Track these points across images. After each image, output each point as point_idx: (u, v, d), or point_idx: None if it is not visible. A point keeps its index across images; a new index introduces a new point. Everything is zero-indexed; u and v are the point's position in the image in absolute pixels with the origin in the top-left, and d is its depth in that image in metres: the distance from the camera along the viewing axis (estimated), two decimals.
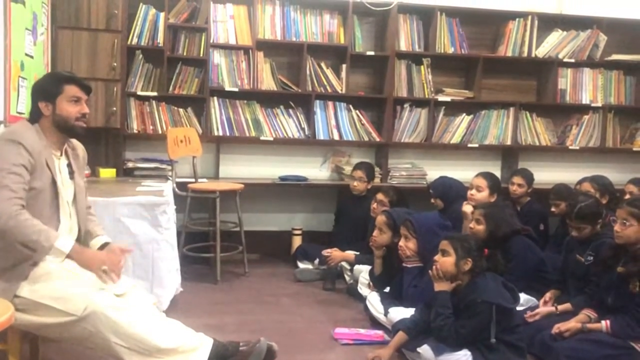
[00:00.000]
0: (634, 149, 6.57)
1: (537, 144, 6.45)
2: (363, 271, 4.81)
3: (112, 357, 2.74)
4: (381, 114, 6.23)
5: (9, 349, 2.69)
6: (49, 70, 4.91)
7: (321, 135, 6.03)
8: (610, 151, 6.63)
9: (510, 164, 6.49)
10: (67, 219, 2.98)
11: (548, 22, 6.38)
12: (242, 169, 6.11)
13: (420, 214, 4.38)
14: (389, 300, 4.15)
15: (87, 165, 5.06)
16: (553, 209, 5.18)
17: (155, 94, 5.70)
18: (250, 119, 5.93)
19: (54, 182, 2.88)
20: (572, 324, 3.54)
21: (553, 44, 6.34)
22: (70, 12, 5.21)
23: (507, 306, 3.33)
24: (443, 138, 6.26)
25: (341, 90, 6.00)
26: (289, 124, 6.00)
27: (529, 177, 5.55)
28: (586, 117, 6.47)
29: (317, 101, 6.01)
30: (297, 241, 6.00)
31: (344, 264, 5.14)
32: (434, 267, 3.52)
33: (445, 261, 3.47)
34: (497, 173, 6.35)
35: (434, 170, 6.06)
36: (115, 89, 5.35)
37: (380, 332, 3.95)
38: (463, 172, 5.87)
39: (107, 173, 5.43)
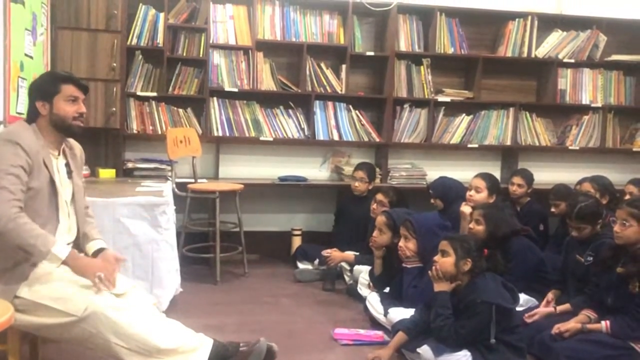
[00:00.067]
0: (634, 149, 6.56)
1: (537, 144, 6.45)
2: (363, 272, 4.81)
3: (112, 358, 2.74)
4: (381, 114, 6.22)
5: (9, 349, 2.69)
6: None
7: (321, 135, 6.03)
8: (610, 151, 6.63)
9: (510, 164, 6.49)
10: (66, 219, 2.98)
11: (548, 23, 6.38)
12: (241, 169, 6.11)
13: (420, 214, 4.38)
14: (388, 301, 4.15)
15: (87, 166, 5.12)
16: (553, 209, 5.18)
17: (154, 94, 5.70)
18: (250, 119, 5.92)
19: (52, 182, 2.88)
20: (572, 324, 3.54)
21: (553, 44, 6.34)
22: (69, 12, 5.21)
23: (507, 306, 3.33)
24: (443, 138, 6.26)
25: (341, 90, 6.00)
26: (289, 124, 6.00)
27: (528, 178, 5.55)
28: (586, 117, 6.47)
29: (317, 101, 6.01)
30: (296, 241, 6.00)
31: (343, 264, 5.14)
32: (433, 267, 3.51)
33: (445, 261, 3.47)
34: (497, 173, 6.40)
35: (433, 171, 6.06)
36: (114, 90, 5.34)
37: (380, 333, 3.95)
38: (463, 172, 5.87)
39: (106, 173, 5.42)
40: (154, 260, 4.18)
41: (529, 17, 6.25)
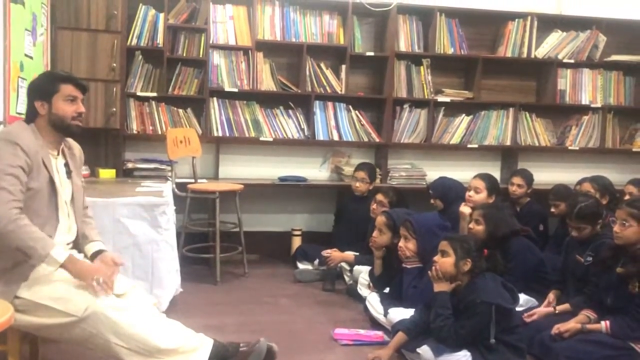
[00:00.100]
0: (634, 149, 6.56)
1: (537, 144, 6.45)
2: (363, 272, 4.80)
3: (112, 358, 2.74)
4: (381, 114, 6.22)
5: (9, 349, 2.69)
6: None
7: (321, 135, 6.02)
8: (609, 152, 6.63)
9: (509, 164, 6.49)
10: (65, 219, 2.98)
11: (547, 23, 6.38)
12: (241, 169, 6.11)
13: (420, 214, 4.38)
14: (388, 301, 4.14)
15: (87, 166, 5.13)
16: (552, 210, 5.18)
17: (154, 94, 5.69)
18: (249, 120, 5.92)
19: (51, 182, 2.88)
20: (572, 324, 3.54)
21: (553, 45, 6.34)
22: (69, 12, 5.20)
23: (507, 307, 3.32)
24: (443, 138, 6.26)
25: (341, 90, 6.00)
26: (289, 125, 6.00)
27: (528, 178, 5.55)
28: (586, 117, 6.47)
29: (317, 102, 6.01)
30: (296, 242, 5.99)
31: (343, 264, 5.14)
32: (433, 267, 3.51)
33: (445, 262, 3.47)
34: (497, 173, 6.41)
35: (433, 171, 6.05)
36: (114, 90, 5.34)
37: (379, 333, 3.95)
38: (463, 172, 5.86)
39: (106, 174, 5.42)
40: (153, 260, 4.17)
41: (529, 18, 6.25)
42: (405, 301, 4.00)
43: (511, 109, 6.33)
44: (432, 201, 5.18)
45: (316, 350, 3.77)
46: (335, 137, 6.06)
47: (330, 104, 6.08)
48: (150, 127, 5.70)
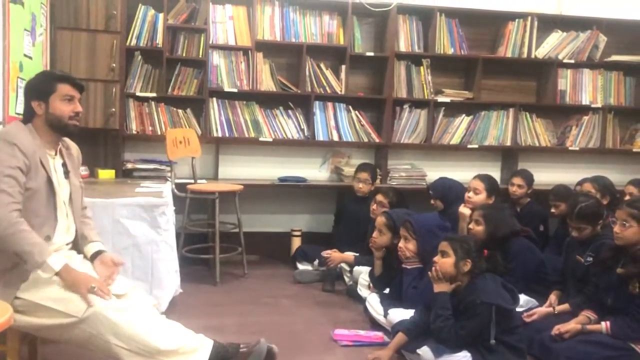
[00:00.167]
0: (634, 149, 6.55)
1: (537, 144, 6.45)
2: (363, 272, 4.80)
3: (112, 359, 2.74)
4: (381, 114, 6.22)
5: (8, 350, 2.69)
6: None
7: (320, 136, 6.02)
8: (610, 152, 6.62)
9: (510, 164, 6.49)
10: (64, 219, 2.98)
11: (548, 23, 6.37)
12: (241, 170, 6.10)
13: (420, 215, 4.37)
14: (388, 302, 4.14)
15: (86, 166, 5.14)
16: (553, 210, 5.17)
17: (154, 94, 5.68)
18: (249, 120, 5.92)
19: (49, 182, 2.87)
20: (572, 325, 3.54)
21: (553, 45, 6.33)
22: (69, 12, 5.19)
23: (507, 307, 3.32)
24: (443, 139, 6.25)
25: (340, 91, 5.99)
26: (289, 125, 5.99)
27: (528, 178, 5.55)
28: (586, 118, 6.46)
29: (317, 102, 6.00)
30: (296, 242, 5.99)
31: (343, 265, 5.14)
32: (433, 268, 3.51)
33: (445, 262, 3.47)
34: (497, 174, 6.41)
35: (433, 171, 6.04)
36: (114, 90, 5.33)
37: (379, 334, 3.95)
38: (463, 173, 5.85)
39: (106, 174, 5.42)
40: (153, 261, 4.17)
41: (529, 18, 6.24)
42: (405, 302, 4.00)
43: (511, 109, 6.32)
44: (432, 202, 5.17)
45: (316, 351, 3.77)
46: (335, 138, 6.06)
47: (330, 104, 6.07)
48: (150, 128, 5.69)
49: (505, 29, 6.31)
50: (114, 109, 5.34)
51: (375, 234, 4.49)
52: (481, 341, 3.30)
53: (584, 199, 4.07)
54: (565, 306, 3.86)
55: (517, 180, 5.54)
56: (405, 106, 6.16)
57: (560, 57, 6.34)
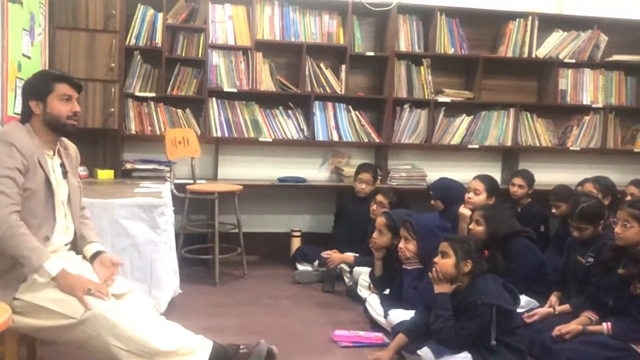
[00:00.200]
0: (635, 150, 6.53)
1: (538, 144, 6.43)
2: (363, 273, 4.78)
3: None
4: (381, 114, 6.20)
5: (7, 351, 2.68)
6: None
7: (320, 136, 6.00)
8: (611, 152, 6.61)
9: (510, 165, 6.47)
10: (62, 219, 2.97)
11: (548, 23, 6.35)
12: (240, 170, 6.09)
13: (420, 215, 4.36)
14: (388, 302, 4.12)
15: (85, 167, 5.13)
16: (553, 211, 5.16)
17: (153, 94, 5.67)
18: (249, 120, 5.91)
19: (48, 182, 2.87)
20: (573, 326, 3.53)
21: (554, 45, 6.32)
22: (67, 12, 5.18)
23: (508, 308, 3.31)
24: (443, 139, 6.24)
25: (340, 91, 5.98)
26: (288, 125, 5.98)
27: (529, 178, 5.54)
28: (587, 118, 6.45)
29: (317, 102, 5.99)
30: (296, 243, 5.97)
31: (343, 265, 5.12)
32: (433, 269, 3.50)
33: (445, 263, 3.46)
34: (498, 174, 6.41)
35: (434, 172, 6.02)
36: (113, 90, 5.32)
37: (380, 335, 3.94)
38: (463, 173, 5.83)
39: (105, 174, 5.41)
40: (152, 261, 4.15)
41: (530, 17, 6.22)
42: (405, 302, 3.98)
43: (512, 109, 6.31)
44: (432, 202, 5.16)
45: (316, 352, 3.76)
46: (335, 138, 6.05)
47: (330, 104, 6.06)
48: (149, 128, 5.68)
49: (505, 28, 6.29)
50: (113, 109, 5.33)
51: (375, 235, 4.47)
52: (482, 342, 3.29)
53: (586, 199, 4.06)
54: (565, 307, 3.86)
55: (517, 181, 5.54)
56: (406, 106, 6.14)
57: (561, 56, 6.32)
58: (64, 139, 3.10)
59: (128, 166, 5.58)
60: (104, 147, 5.57)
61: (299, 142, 6.06)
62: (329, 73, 5.99)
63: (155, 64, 5.69)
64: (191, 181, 5.44)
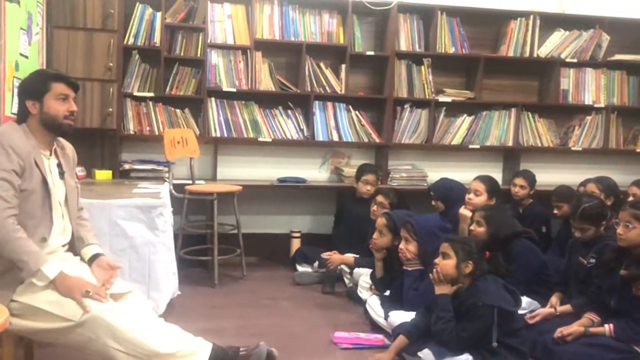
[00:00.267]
0: (637, 150, 6.51)
1: (539, 145, 6.41)
2: (363, 274, 4.77)
3: None
4: (381, 114, 6.18)
5: (4, 353, 2.67)
6: None
7: (320, 136, 5.98)
8: (613, 152, 6.59)
9: (512, 165, 6.45)
10: (60, 220, 2.95)
11: (550, 22, 6.33)
12: (240, 170, 6.07)
13: (421, 216, 4.35)
14: (389, 304, 4.11)
15: (83, 167, 5.12)
16: (555, 211, 5.14)
17: (152, 94, 5.66)
18: (248, 120, 5.89)
19: (44, 182, 2.85)
20: (575, 327, 3.52)
21: (555, 44, 6.30)
22: (65, 11, 5.16)
23: (509, 309, 3.30)
24: (444, 139, 6.22)
25: (340, 90, 5.96)
26: (288, 125, 5.96)
27: (531, 179, 5.53)
28: (589, 117, 6.43)
29: (316, 102, 5.97)
30: (296, 244, 5.95)
31: (343, 267, 5.11)
32: (434, 270, 3.49)
33: (446, 264, 3.45)
34: (499, 174, 6.40)
35: (434, 172, 6.01)
36: (111, 90, 5.30)
37: (380, 336, 3.92)
38: (464, 173, 5.80)
39: (103, 175, 5.38)
40: (150, 263, 4.13)
41: (531, 17, 6.20)
42: (406, 304, 3.97)
43: (513, 109, 6.28)
44: (433, 203, 5.14)
45: (316, 354, 3.76)
46: (335, 138, 6.03)
47: (329, 104, 6.04)
48: (147, 128, 5.67)
49: (507, 27, 6.27)
50: (111, 109, 5.31)
51: (375, 235, 4.46)
52: (483, 344, 3.28)
53: (588, 199, 4.05)
54: (567, 307, 3.84)
55: (519, 181, 5.52)
56: (406, 106, 6.12)
57: (562, 56, 6.30)
58: (61, 139, 3.09)
59: (126, 166, 5.56)
60: (102, 147, 5.55)
61: (299, 142, 6.04)
62: (328, 73, 5.97)
63: (154, 64, 5.67)
64: (190, 182, 5.43)
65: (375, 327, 4.13)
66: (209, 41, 5.69)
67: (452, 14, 6.12)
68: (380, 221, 4.45)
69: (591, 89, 6.43)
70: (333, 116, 6.04)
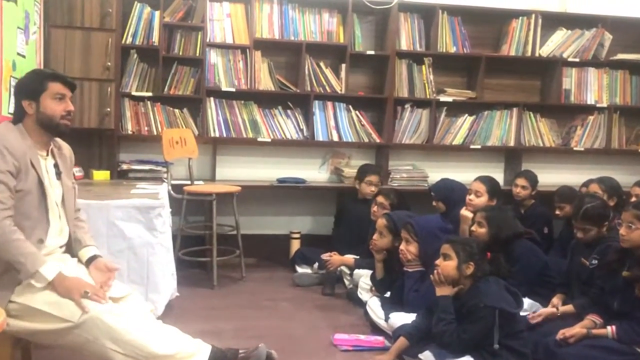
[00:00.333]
0: None
1: (541, 145, 6.39)
2: (363, 276, 4.76)
3: None
4: (381, 114, 6.16)
5: (1, 355, 2.67)
6: None
7: (320, 136, 5.96)
8: (615, 152, 6.56)
9: (513, 165, 6.43)
10: (56, 221, 2.94)
11: (552, 21, 6.31)
12: (239, 171, 6.04)
13: (422, 217, 4.33)
14: (389, 305, 4.09)
15: (80, 167, 5.11)
16: (557, 212, 5.11)
17: (150, 94, 5.64)
18: (247, 120, 5.87)
19: (40, 183, 2.84)
20: (577, 329, 3.49)
21: (557, 43, 6.27)
22: (63, 10, 5.15)
23: (511, 311, 3.29)
24: (445, 139, 6.19)
25: (340, 90, 5.94)
26: (287, 125, 5.94)
27: (532, 179, 5.51)
28: (591, 117, 6.41)
29: (316, 101, 5.95)
30: (295, 245, 5.93)
31: (343, 268, 5.08)
32: (435, 271, 3.48)
33: (447, 265, 3.44)
34: (500, 175, 6.40)
35: (435, 173, 5.99)
36: (109, 89, 5.29)
37: (380, 338, 3.91)
38: (465, 174, 5.79)
39: (101, 175, 5.37)
40: (149, 264, 4.14)
41: (533, 16, 6.18)
42: (406, 305, 3.96)
43: (515, 109, 6.26)
44: (434, 203, 5.13)
45: (316, 356, 3.75)
46: (335, 138, 6.00)
47: (329, 104, 6.02)
48: (146, 128, 5.65)
49: (508, 26, 6.25)
50: (109, 109, 5.29)
51: (375, 236, 4.45)
52: (484, 346, 3.27)
53: (590, 199, 4.03)
54: (569, 307, 3.81)
55: (520, 182, 5.51)
56: (407, 106, 6.10)
57: (565, 55, 6.28)
58: (58, 139, 3.07)
59: (124, 167, 5.55)
60: (100, 148, 5.54)
61: (299, 143, 6.02)
62: (328, 72, 5.95)
63: (152, 63, 5.65)
64: (189, 182, 5.42)
65: (375, 329, 4.12)
66: (207, 40, 5.67)
67: (453, 12, 6.10)
68: (381, 222, 4.43)
69: (593, 88, 6.41)
70: (333, 116, 6.02)
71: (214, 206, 5.06)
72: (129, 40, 5.50)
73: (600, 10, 6.35)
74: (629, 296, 3.39)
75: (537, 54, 6.24)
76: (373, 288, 4.54)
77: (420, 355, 3.36)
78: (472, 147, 6.23)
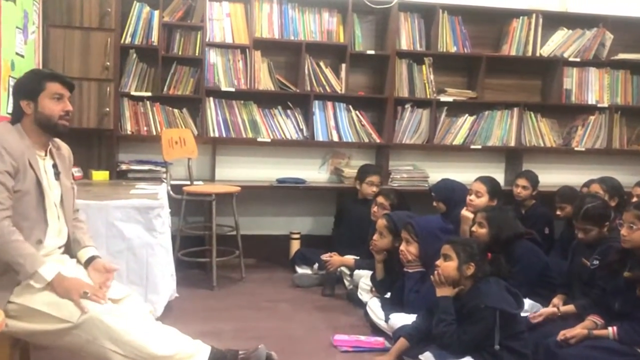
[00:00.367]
0: None
1: (542, 145, 6.38)
2: (363, 276, 4.75)
3: None
4: (382, 114, 6.15)
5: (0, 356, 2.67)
6: None
7: (320, 136, 5.95)
8: (616, 153, 6.55)
9: (514, 166, 6.42)
10: (55, 221, 2.93)
11: (553, 21, 6.30)
12: (238, 171, 6.03)
13: (422, 217, 4.33)
14: (389, 306, 4.09)
15: (79, 168, 5.10)
16: (558, 213, 5.10)
17: (149, 94, 5.63)
18: (247, 120, 5.86)
19: (39, 184, 2.83)
20: (578, 330, 3.47)
21: (558, 43, 6.26)
22: (62, 10, 5.15)
23: (511, 312, 3.29)
24: (445, 139, 6.18)
25: (340, 90, 5.93)
26: (287, 125, 5.93)
27: (533, 180, 5.51)
28: (592, 117, 6.40)
29: (316, 101, 5.94)
30: (295, 245, 5.91)
31: (343, 269, 5.08)
32: (435, 272, 3.47)
33: (448, 266, 3.43)
34: (501, 175, 6.39)
35: (435, 173, 5.99)
36: (108, 89, 5.28)
37: (380, 339, 3.92)
38: (466, 174, 5.78)
39: (99, 175, 5.36)
40: (148, 264, 4.14)
41: (534, 15, 6.17)
42: (406, 306, 3.96)
43: (515, 109, 6.25)
44: (434, 204, 5.13)
45: (316, 357, 3.76)
46: (335, 138, 5.99)
47: (329, 104, 6.01)
48: (145, 128, 5.64)
49: (509, 26, 6.23)
50: (108, 109, 5.29)
51: (375, 237, 4.44)
52: (485, 347, 3.27)
53: (591, 199, 4.02)
54: (570, 307, 3.80)
55: (521, 182, 5.50)
56: (407, 106, 6.09)
57: (565, 55, 6.27)
58: (57, 140, 3.07)
59: (123, 167, 5.54)
60: (99, 148, 5.53)
61: (298, 143, 6.01)
62: (328, 72, 5.94)
63: (151, 63, 5.64)
64: (188, 182, 5.41)
65: (375, 330, 4.12)
66: (207, 40, 5.66)
67: (454, 12, 6.08)
68: (381, 222, 4.43)
69: (594, 88, 6.40)
70: (333, 116, 6.01)
71: (213, 206, 5.05)
72: (128, 40, 5.49)
73: (601, 9, 6.33)
74: (630, 297, 3.38)
75: (537, 54, 6.23)
76: (373, 289, 4.53)
77: (420, 356, 3.35)
78: (472, 147, 6.22)
